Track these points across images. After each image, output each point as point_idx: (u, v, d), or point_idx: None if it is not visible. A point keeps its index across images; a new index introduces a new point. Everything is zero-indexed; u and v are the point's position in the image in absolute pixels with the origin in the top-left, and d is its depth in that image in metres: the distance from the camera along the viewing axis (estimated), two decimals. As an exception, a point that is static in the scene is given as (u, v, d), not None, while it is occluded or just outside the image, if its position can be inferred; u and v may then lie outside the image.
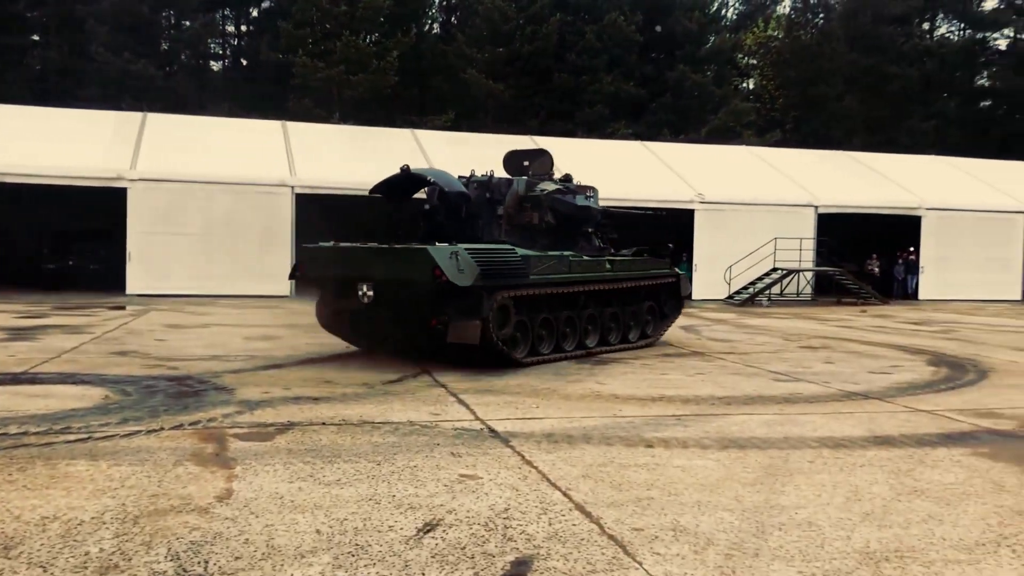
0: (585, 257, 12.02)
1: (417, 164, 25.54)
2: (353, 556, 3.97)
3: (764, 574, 3.87)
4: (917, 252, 28.60)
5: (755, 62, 49.76)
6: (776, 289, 25.50)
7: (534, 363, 10.72)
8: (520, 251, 10.75)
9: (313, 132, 27.72)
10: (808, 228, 26.63)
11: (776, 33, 48.96)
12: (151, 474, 5.27)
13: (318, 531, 4.30)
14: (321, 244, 11.15)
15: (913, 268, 28.91)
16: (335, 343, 11.88)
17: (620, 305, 12.70)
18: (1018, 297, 29.12)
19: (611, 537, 4.31)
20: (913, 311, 23.37)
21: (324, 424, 6.85)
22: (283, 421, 6.94)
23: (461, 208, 11.63)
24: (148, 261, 22.13)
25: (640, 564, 3.96)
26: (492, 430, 6.76)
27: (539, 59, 39.37)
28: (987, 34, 48.91)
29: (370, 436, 6.44)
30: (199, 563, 3.85)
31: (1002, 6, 48.26)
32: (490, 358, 10.20)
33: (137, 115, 26.30)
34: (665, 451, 6.21)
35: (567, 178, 12.84)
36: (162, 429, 6.54)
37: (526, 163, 13.09)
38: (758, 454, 6.19)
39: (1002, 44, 49.18)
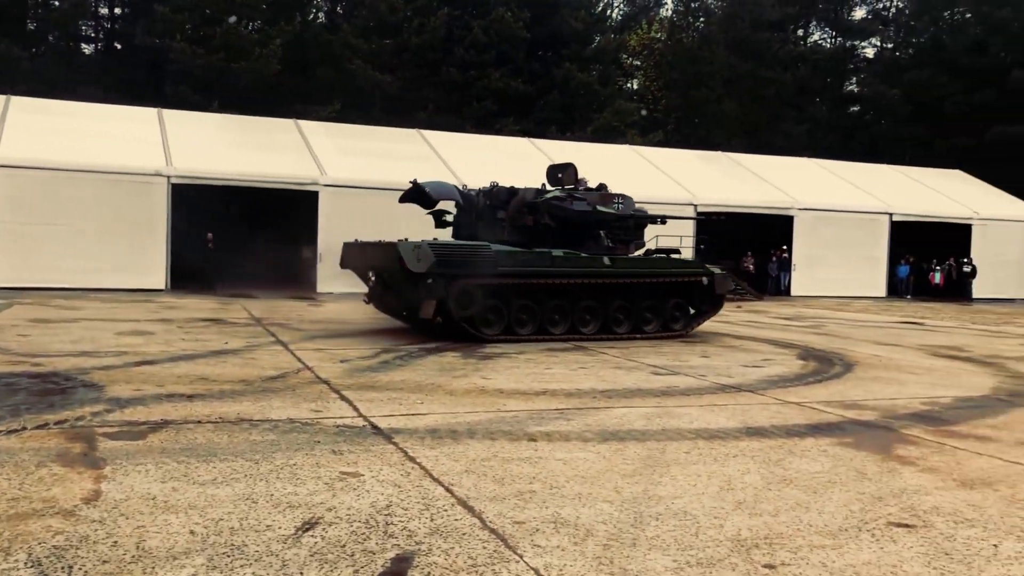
0: (582, 255, 13.66)
1: (301, 155, 25.14)
2: (228, 557, 3.86)
3: (641, 563, 3.96)
4: (790, 250, 29.79)
5: (639, 63, 50.86)
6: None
7: (502, 340, 12.77)
8: (496, 247, 12.96)
9: (191, 120, 26.84)
10: (688, 226, 27.37)
11: (659, 35, 50.16)
12: (12, 477, 4.99)
13: (192, 532, 4.16)
14: (356, 240, 14.23)
15: (786, 266, 30.12)
16: (211, 339, 11.55)
17: (631, 299, 14.07)
18: (883, 294, 30.72)
19: (492, 531, 4.33)
20: (785, 307, 24.34)
21: (200, 422, 6.64)
22: (156, 419, 6.69)
23: (470, 212, 14.22)
24: (11, 252, 20.99)
25: (520, 557, 3.99)
26: (375, 427, 6.69)
27: (427, 52, 39.21)
28: (856, 42, 51.34)
29: (248, 434, 6.28)
30: (62, 568, 3.67)
31: (869, 16, 50.74)
32: (461, 333, 12.65)
33: (0, 98, 24.92)
34: (548, 445, 6.27)
35: (601, 187, 15.02)
36: (24, 429, 6.21)
37: (560, 175, 15.03)
38: (637, 446, 6.32)
39: (869, 52, 51.76)
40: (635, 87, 51.25)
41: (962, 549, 4.31)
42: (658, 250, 15.29)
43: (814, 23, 51.64)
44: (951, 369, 11.65)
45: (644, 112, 45.72)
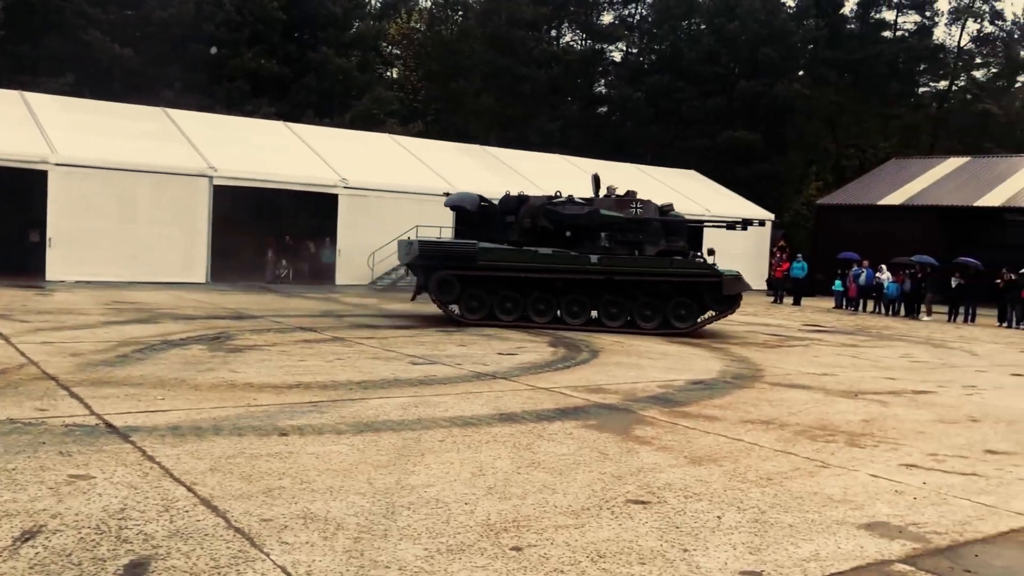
0: (572, 253, 15.08)
1: (27, 130, 22.89)
2: (-72, 578, 3.44)
3: (391, 554, 3.94)
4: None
5: (399, 52, 50.75)
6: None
7: (483, 324, 14.86)
8: (483, 245, 15.08)
9: None
10: (448, 217, 27.70)
11: (419, 26, 50.28)
12: None
13: None
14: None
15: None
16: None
17: (624, 296, 15.19)
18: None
19: (238, 530, 4.15)
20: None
21: (-101, 426, 5.88)
22: None
23: (490, 216, 16.33)
24: None
25: (267, 555, 3.85)
26: (110, 425, 6.22)
27: (173, 27, 36.94)
28: (604, 45, 54.01)
29: (-41, 438, 5.64)
30: None
31: (616, 22, 53.54)
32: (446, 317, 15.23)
33: None
34: (299, 439, 6.11)
35: (629, 194, 16.24)
36: None
37: (594, 184, 16.84)
38: (392, 436, 6.30)
39: (617, 56, 54.63)
40: (395, 76, 51.10)
41: (690, 522, 4.64)
42: (672, 252, 15.89)
43: (566, 24, 53.73)
44: (684, 354, 12.56)
45: (404, 102, 45.65)
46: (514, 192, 16.83)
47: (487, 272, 14.94)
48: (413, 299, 17.03)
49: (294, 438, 6.12)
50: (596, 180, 16.98)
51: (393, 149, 30.65)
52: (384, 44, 48.71)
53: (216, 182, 23.38)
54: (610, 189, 16.56)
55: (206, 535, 4.06)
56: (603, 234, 15.72)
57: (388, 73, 50.83)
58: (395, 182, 27.17)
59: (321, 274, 27.34)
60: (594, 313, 15.42)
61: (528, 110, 46.77)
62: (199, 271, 23.60)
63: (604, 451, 6.16)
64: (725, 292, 15.22)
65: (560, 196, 16.04)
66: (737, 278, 15.30)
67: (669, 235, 16.06)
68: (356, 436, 6.26)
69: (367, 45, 44.41)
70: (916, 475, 5.94)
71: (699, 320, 15.58)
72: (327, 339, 12.30)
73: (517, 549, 4.07)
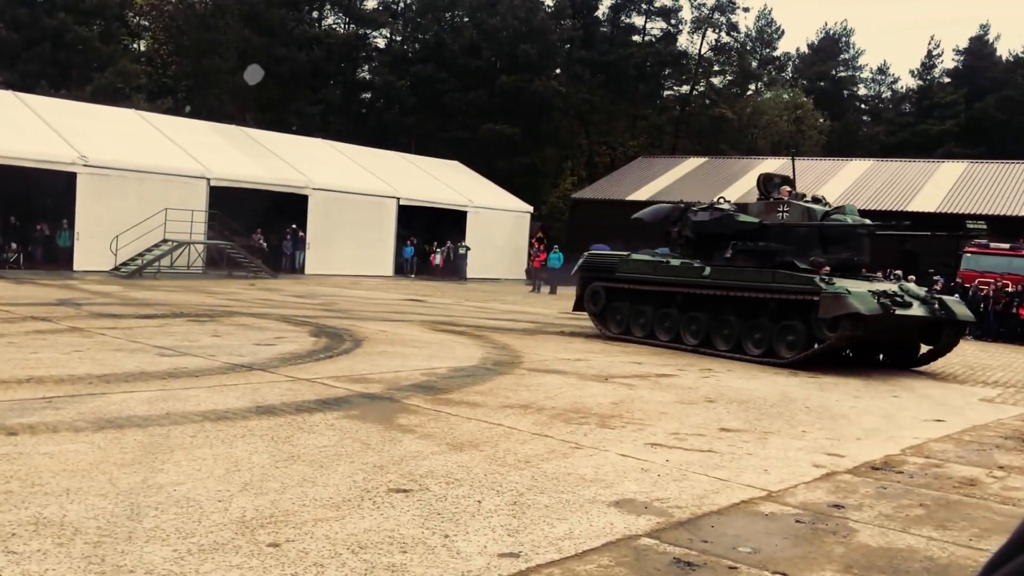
0: (694, 264, 13.62)
1: None
2: None
3: (137, 557, 3.68)
4: (304, 228, 30.20)
5: (147, 23, 47.62)
6: (167, 261, 24.81)
7: (619, 338, 14.51)
8: (635, 256, 14.61)
9: None
10: (200, 200, 26.38)
11: (170, -3, 47.37)
12: None
13: None
14: None
15: (301, 244, 30.48)
16: None
17: (735, 315, 13.16)
18: (391, 273, 32.54)
19: (-46, 543, 3.72)
20: (299, 285, 24.65)
21: None
22: None
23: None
24: None
25: (-9, 569, 3.48)
26: None
27: None
28: (368, 31, 53.49)
29: None
30: None
31: (380, 8, 53.19)
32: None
33: None
34: (31, 438, 5.58)
35: (816, 200, 14.05)
36: None
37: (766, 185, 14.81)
38: (138, 433, 5.90)
39: (381, 43, 54.27)
40: (142, 48, 47.87)
41: (452, 508, 4.69)
42: (840, 265, 13.25)
43: (328, 7, 52.69)
44: (447, 342, 12.71)
45: (152, 76, 42.88)
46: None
47: (625, 284, 14.46)
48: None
49: (24, 437, 5.58)
50: (764, 180, 14.78)
51: (140, 126, 28.72)
52: (130, 14, 45.51)
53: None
54: (784, 190, 14.21)
55: (-85, 551, 3.61)
56: (732, 243, 13.46)
57: (135, 45, 47.57)
58: (142, 161, 25.48)
59: (57, 259, 25.20)
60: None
61: (287, 92, 45.45)
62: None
63: (366, 441, 6.10)
64: (821, 314, 11.79)
65: (722, 202, 14.47)
66: (837, 297, 11.60)
67: (829, 243, 13.37)
68: (96, 433, 5.81)
69: (111, 14, 41.31)
70: (660, 453, 6.34)
71: (810, 350, 12.23)
72: (64, 329, 11.34)
73: (275, 545, 3.94)
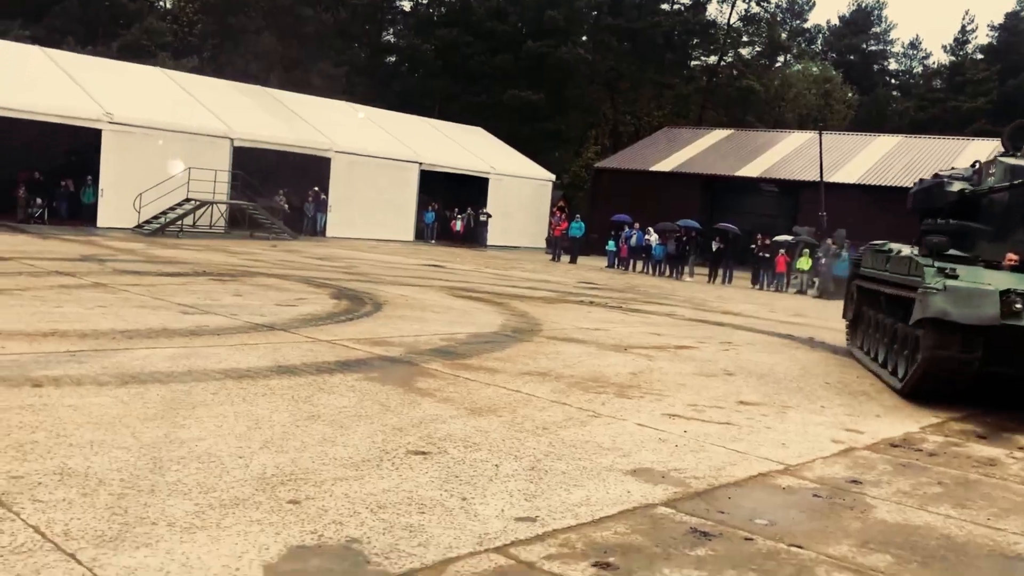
0: (911, 255, 9.01)
1: None
2: None
3: (160, 510, 3.73)
4: (326, 191, 30.23)
5: (174, -19, 47.56)
6: (189, 220, 24.93)
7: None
8: (891, 245, 10.24)
9: None
10: (224, 160, 26.44)
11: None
12: None
13: None
14: None
15: (322, 206, 30.53)
16: None
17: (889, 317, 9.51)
18: (411, 238, 32.57)
19: (-19, 490, 3.78)
20: (320, 247, 24.73)
21: None
22: None
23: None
24: None
25: (17, 515, 3.53)
26: None
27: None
28: (394, -7, 53.17)
29: None
30: None
31: (406, -31, 52.81)
32: None
33: None
34: (56, 390, 5.65)
35: None
36: None
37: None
38: (160, 388, 5.96)
39: (406, 5, 53.88)
40: (168, 6, 47.81)
41: (470, 471, 4.72)
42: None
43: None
44: (467, 308, 12.73)
45: (178, 34, 42.84)
46: None
47: (853, 284, 11.78)
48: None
49: (49, 389, 5.65)
50: (1016, 130, 10.07)
51: (165, 84, 28.76)
52: (157, -29, 45.46)
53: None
54: None
55: (-57, 496, 3.67)
56: (979, 226, 9.56)
57: (161, 3, 47.51)
58: (166, 120, 25.54)
59: (81, 215, 25.37)
60: None
61: (312, 53, 45.32)
62: (-64, 207, 21.25)
63: (386, 403, 6.14)
64: (913, 317, 7.98)
65: (976, 165, 10.09)
66: (925, 296, 7.70)
67: None
68: (120, 388, 5.87)
69: (138, -30, 41.28)
70: (678, 424, 6.34)
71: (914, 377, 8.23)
72: (88, 285, 11.44)
73: (295, 502, 3.98)
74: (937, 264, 8.00)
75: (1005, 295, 7.52)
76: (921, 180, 11.43)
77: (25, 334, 7.53)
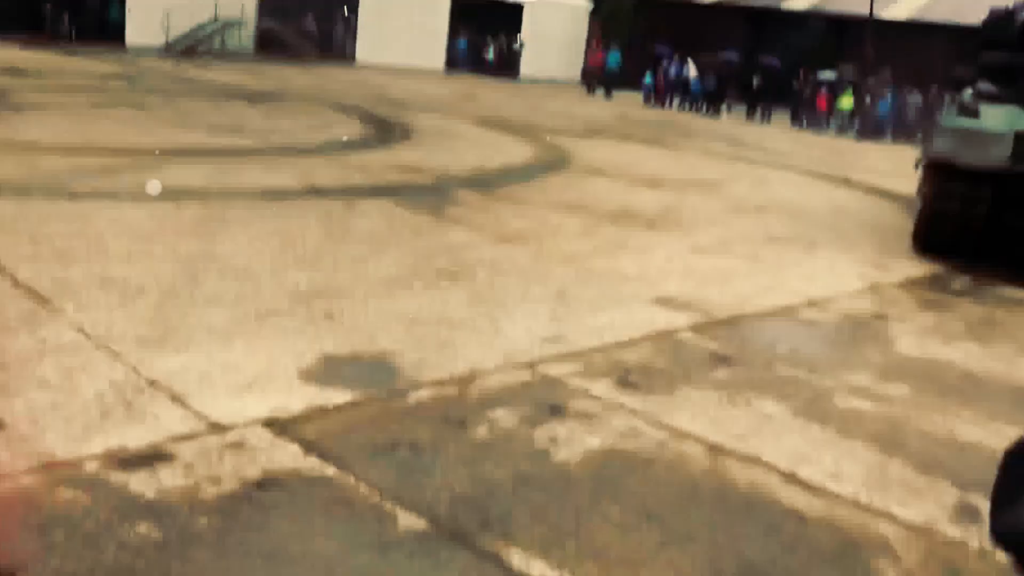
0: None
1: None
2: None
3: (198, 318, 3.86)
4: (357, 14, 29.39)
5: None
6: (217, 42, 24.47)
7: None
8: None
9: None
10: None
11: None
12: None
13: None
14: None
15: (352, 30, 29.75)
16: None
17: None
18: (442, 66, 31.85)
19: (29, 289, 3.92)
20: (350, 73, 24.30)
21: None
22: None
23: None
24: None
25: (63, 315, 3.67)
26: None
27: None
28: None
29: None
30: None
31: None
32: None
33: None
34: (93, 203, 5.74)
35: None
36: None
37: None
38: (195, 205, 6.04)
39: None
40: None
41: (498, 294, 4.81)
42: None
43: None
44: (497, 140, 12.59)
45: None
46: None
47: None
48: None
49: (87, 202, 5.74)
50: None
51: None
52: None
53: None
54: None
55: (-10, 297, 3.81)
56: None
57: None
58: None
59: (108, 33, 24.94)
60: None
61: None
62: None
63: (416, 228, 6.19)
64: (916, 161, 7.94)
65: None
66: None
67: None
68: (156, 203, 5.95)
69: None
70: (705, 258, 6.37)
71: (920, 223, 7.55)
72: (120, 103, 11.41)
73: (329, 316, 4.09)
74: (963, 101, 7.09)
75: (1022, 138, 6.58)
76: (992, 10, 9.17)
77: (62, 148, 7.59)
